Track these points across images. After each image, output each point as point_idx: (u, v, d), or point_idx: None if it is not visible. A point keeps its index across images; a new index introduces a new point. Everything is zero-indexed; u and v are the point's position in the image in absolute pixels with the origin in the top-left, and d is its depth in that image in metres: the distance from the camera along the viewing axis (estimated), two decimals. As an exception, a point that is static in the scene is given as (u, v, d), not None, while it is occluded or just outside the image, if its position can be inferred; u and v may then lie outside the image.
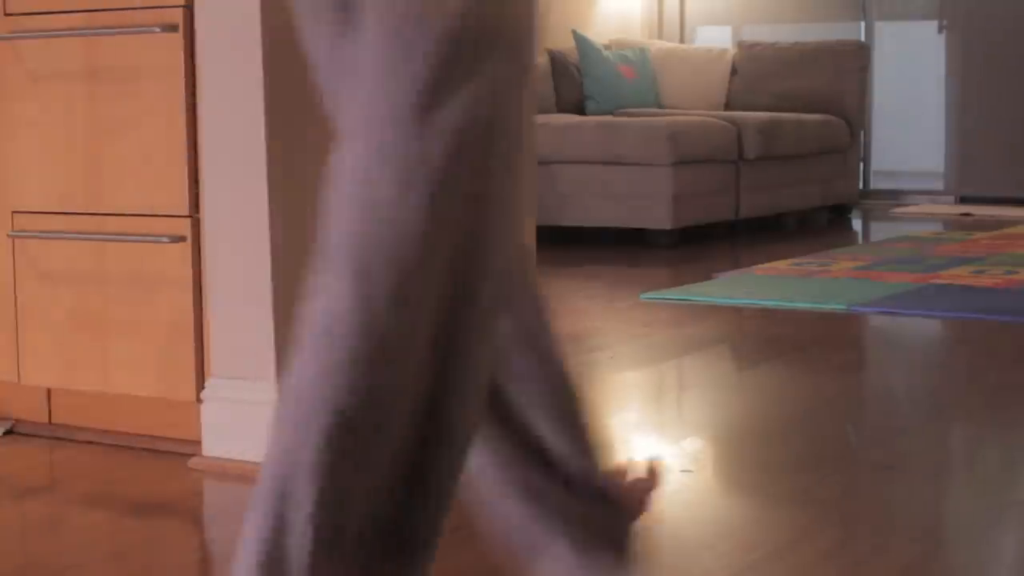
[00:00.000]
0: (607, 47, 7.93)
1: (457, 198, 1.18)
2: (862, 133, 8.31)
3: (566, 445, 1.50)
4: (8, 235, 2.63)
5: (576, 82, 7.57)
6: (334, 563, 1.17)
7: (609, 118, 6.64)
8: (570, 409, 1.51)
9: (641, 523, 1.58)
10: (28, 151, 2.60)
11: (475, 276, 1.20)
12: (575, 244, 6.49)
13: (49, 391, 2.70)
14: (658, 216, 6.29)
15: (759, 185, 6.95)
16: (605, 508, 1.54)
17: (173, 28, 2.42)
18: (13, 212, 2.64)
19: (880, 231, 7.14)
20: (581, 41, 7.59)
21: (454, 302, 1.19)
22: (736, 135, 6.77)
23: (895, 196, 9.22)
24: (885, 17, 10.15)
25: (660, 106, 7.71)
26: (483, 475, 1.50)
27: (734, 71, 7.84)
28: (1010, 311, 4.11)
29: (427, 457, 1.20)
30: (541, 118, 6.74)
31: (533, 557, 1.52)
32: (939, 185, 9.11)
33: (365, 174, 1.20)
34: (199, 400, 2.49)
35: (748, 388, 3.13)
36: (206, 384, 2.47)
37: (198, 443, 2.51)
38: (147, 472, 2.42)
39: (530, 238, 2.99)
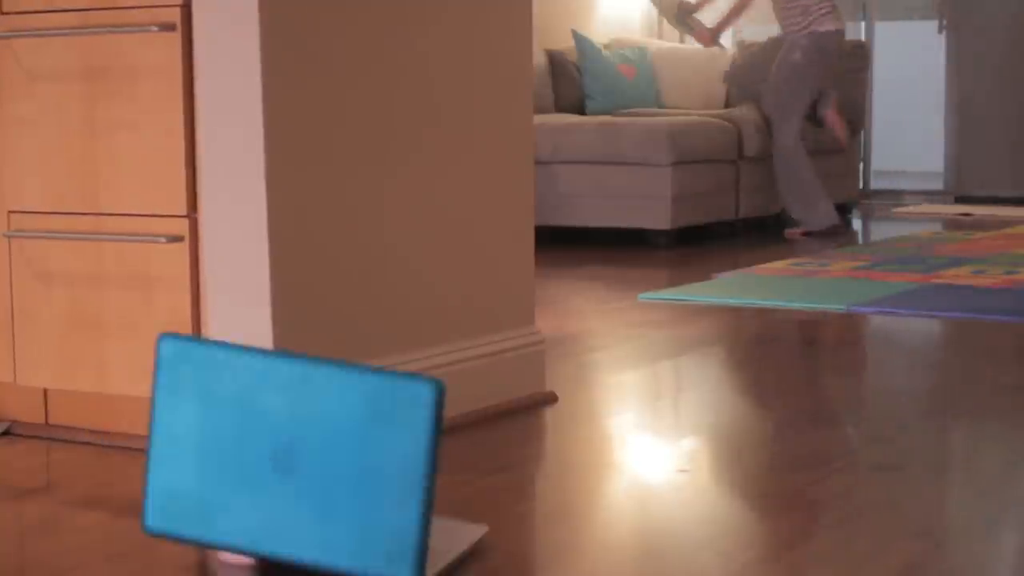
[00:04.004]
0: (607, 47, 7.93)
1: None
2: (862, 133, 8.31)
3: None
4: (5, 235, 2.63)
5: (576, 82, 7.57)
6: None
7: (609, 118, 6.64)
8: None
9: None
10: (25, 151, 2.60)
11: None
12: (574, 244, 6.49)
13: (46, 392, 2.69)
14: (658, 216, 6.28)
15: (759, 185, 6.94)
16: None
17: (171, 27, 2.41)
18: (10, 212, 2.64)
19: (880, 231, 7.13)
20: (581, 41, 7.58)
21: None
22: (736, 135, 6.77)
23: (895, 196, 9.22)
24: (885, 17, 10.14)
25: (660, 106, 7.71)
26: None
27: (734, 71, 7.83)
28: (1010, 311, 4.10)
29: None
30: (540, 118, 6.73)
31: None
32: (939, 185, 9.11)
33: None
34: (196, 400, 2.48)
35: (746, 388, 3.12)
36: (203, 384, 2.46)
37: (195, 444, 2.51)
38: (144, 473, 2.41)
39: (529, 238, 2.99)
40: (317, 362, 1.78)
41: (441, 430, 1.62)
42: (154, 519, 1.86)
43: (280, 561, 1.80)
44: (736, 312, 4.26)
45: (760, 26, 9.04)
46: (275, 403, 1.79)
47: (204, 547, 1.85)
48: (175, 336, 1.85)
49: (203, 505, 1.83)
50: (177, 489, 1.85)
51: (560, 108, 7.48)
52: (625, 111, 7.15)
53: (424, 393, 1.73)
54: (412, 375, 1.74)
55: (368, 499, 1.76)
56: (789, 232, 6.82)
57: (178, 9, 2.42)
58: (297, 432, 1.79)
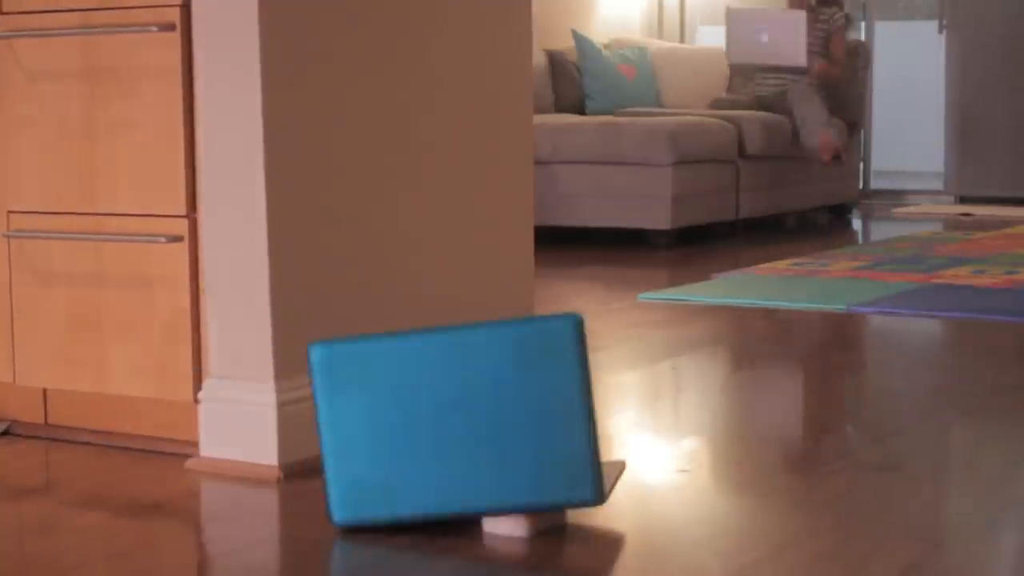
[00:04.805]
0: (607, 47, 7.93)
1: None
2: (862, 133, 8.31)
3: None
4: (4, 235, 2.63)
5: (575, 82, 7.57)
6: None
7: (609, 118, 6.64)
8: None
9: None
10: (25, 150, 2.60)
11: None
12: (574, 244, 6.49)
13: (45, 392, 2.69)
14: (657, 216, 6.28)
15: (759, 185, 6.94)
16: None
17: (171, 27, 2.41)
18: (9, 212, 2.63)
19: (880, 231, 7.13)
20: (581, 41, 7.58)
21: None
22: (736, 134, 6.77)
23: (895, 196, 9.21)
24: (885, 17, 10.14)
25: (660, 106, 7.70)
26: None
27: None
28: (1010, 311, 4.10)
29: None
30: (540, 118, 6.73)
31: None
32: (939, 185, 9.10)
33: None
34: (196, 401, 2.48)
35: (746, 388, 3.12)
36: (203, 385, 2.46)
37: (195, 444, 2.51)
38: (144, 473, 2.41)
39: (528, 238, 2.99)
40: (463, 329, 2.00)
41: (586, 356, 1.95)
42: (342, 512, 2.03)
43: (466, 517, 2.00)
44: (736, 312, 4.26)
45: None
46: (432, 376, 1.99)
47: (395, 524, 2.03)
48: (323, 342, 2.03)
49: (385, 486, 2.02)
50: (358, 479, 2.03)
51: (560, 108, 7.48)
52: (625, 111, 7.15)
53: (562, 329, 1.94)
54: (549, 316, 1.96)
55: (538, 437, 1.96)
56: (824, 149, 7.06)
57: (178, 9, 2.42)
58: (459, 395, 1.99)
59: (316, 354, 2.03)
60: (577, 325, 1.94)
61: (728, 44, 7.32)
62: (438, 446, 2.00)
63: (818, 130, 7.02)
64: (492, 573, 1.87)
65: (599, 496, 1.96)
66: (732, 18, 7.29)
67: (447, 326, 2.00)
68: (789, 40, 7.14)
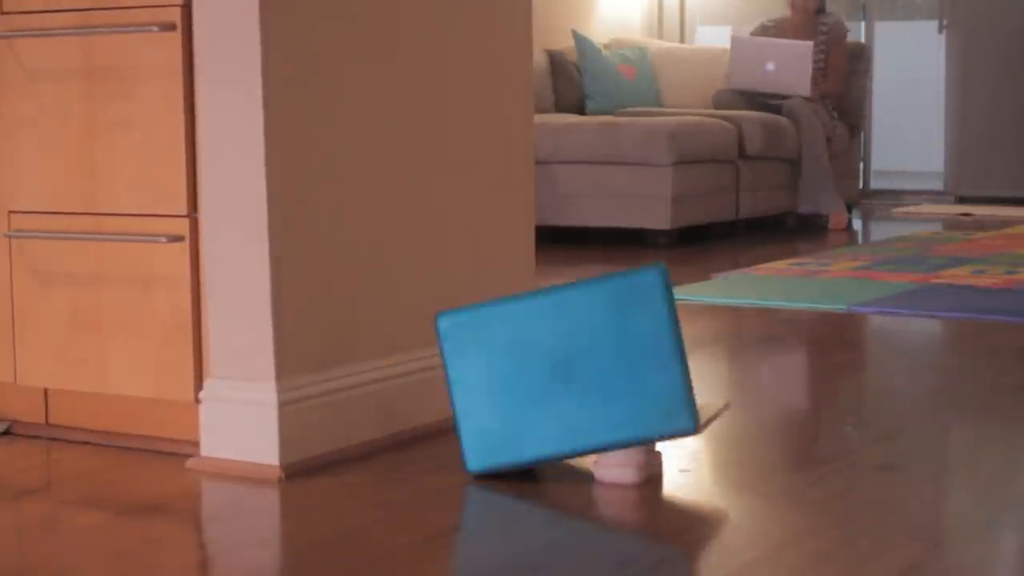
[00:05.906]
0: (607, 47, 7.93)
1: None
2: (862, 133, 8.31)
3: None
4: (5, 235, 2.63)
5: (575, 82, 7.57)
6: None
7: (609, 118, 6.64)
8: None
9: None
10: (25, 150, 2.60)
11: None
12: (574, 244, 6.49)
13: (46, 391, 2.69)
14: (657, 216, 6.28)
15: (759, 185, 6.94)
16: None
17: (171, 27, 2.41)
18: (10, 212, 2.64)
19: (880, 231, 7.13)
20: (581, 41, 7.58)
21: None
22: (736, 134, 6.77)
23: (895, 196, 9.22)
24: (885, 17, 10.14)
25: (660, 106, 7.71)
26: None
27: (734, 71, 7.83)
28: (1010, 311, 4.10)
29: None
30: (540, 118, 6.73)
31: None
32: (939, 185, 9.11)
33: None
34: (197, 400, 2.48)
35: (746, 388, 3.12)
36: (204, 384, 2.46)
37: (196, 444, 2.51)
38: (145, 473, 2.42)
39: (529, 238, 2.99)
40: (563, 288, 2.24)
41: (673, 302, 2.19)
42: (473, 461, 2.29)
43: (583, 454, 2.25)
44: (736, 312, 4.26)
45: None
46: (543, 331, 2.24)
47: (522, 468, 2.28)
48: (448, 312, 2.30)
49: (508, 435, 2.27)
50: (484, 431, 2.28)
51: (560, 108, 7.48)
52: (625, 111, 7.15)
53: (651, 279, 2.18)
54: (637, 269, 2.20)
55: (636, 376, 2.20)
56: (834, 221, 7.22)
57: (178, 9, 2.42)
58: (566, 346, 2.23)
59: (442, 323, 2.29)
60: (663, 274, 2.18)
61: (731, 69, 7.31)
62: (550, 394, 2.24)
63: (832, 208, 7.14)
64: (491, 571, 1.87)
65: (694, 424, 2.18)
66: (736, 45, 7.27)
67: (550, 288, 2.21)
68: (795, 70, 7.10)
